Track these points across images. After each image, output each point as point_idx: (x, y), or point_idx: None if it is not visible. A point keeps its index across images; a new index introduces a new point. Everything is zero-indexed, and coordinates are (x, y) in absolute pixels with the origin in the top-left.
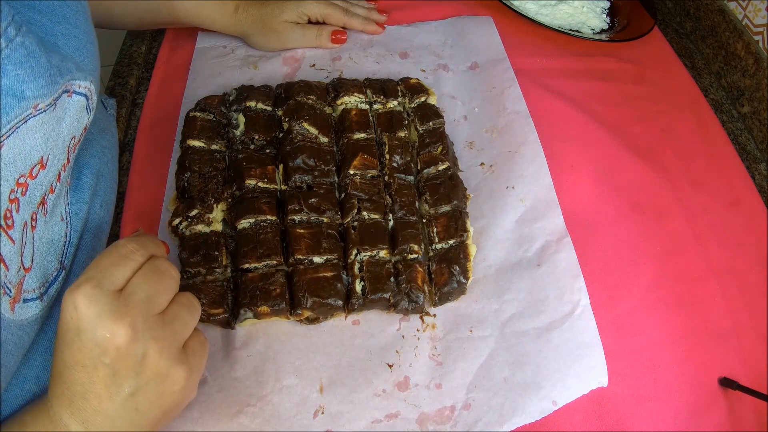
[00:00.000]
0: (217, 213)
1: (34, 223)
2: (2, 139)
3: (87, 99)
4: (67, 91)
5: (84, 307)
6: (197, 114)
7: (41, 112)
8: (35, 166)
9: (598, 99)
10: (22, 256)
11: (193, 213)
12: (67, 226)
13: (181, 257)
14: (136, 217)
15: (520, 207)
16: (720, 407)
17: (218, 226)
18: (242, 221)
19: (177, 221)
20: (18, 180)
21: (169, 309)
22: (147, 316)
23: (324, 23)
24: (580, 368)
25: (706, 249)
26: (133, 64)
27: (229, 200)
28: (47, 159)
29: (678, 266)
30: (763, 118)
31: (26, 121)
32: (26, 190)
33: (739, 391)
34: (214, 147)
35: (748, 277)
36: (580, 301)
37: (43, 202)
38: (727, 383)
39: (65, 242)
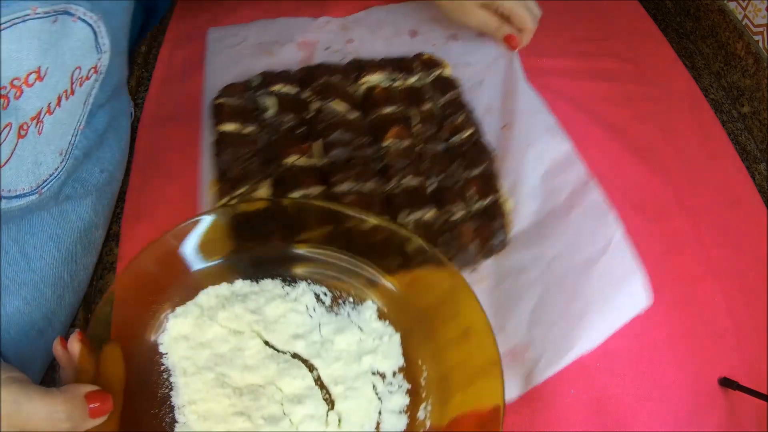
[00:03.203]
0: (263, 190)
1: (22, 132)
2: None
3: (95, 35)
4: (71, 15)
5: None
6: (223, 101)
7: (40, 17)
8: (31, 73)
9: (598, 99)
10: None
11: (241, 191)
12: (62, 162)
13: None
14: (137, 217)
15: (543, 164)
16: (720, 407)
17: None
18: (290, 195)
19: (225, 201)
20: (12, 81)
21: None
22: None
23: (507, 22)
24: (624, 295)
25: (706, 249)
26: (133, 64)
27: (271, 178)
28: (45, 72)
29: (678, 266)
30: (763, 118)
31: (25, 21)
32: (20, 95)
33: (739, 391)
34: (246, 130)
35: (748, 277)
36: (615, 233)
37: (39, 119)
38: (727, 383)
39: (52, 174)
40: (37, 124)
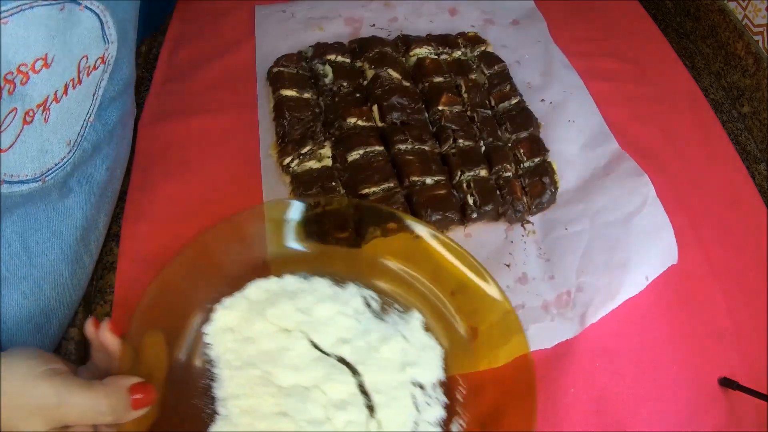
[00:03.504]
0: (326, 149)
1: (28, 118)
2: (7, 15)
3: (102, 24)
4: (78, 3)
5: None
6: (281, 69)
7: (47, 4)
8: (38, 59)
9: (598, 99)
10: None
11: (306, 150)
12: (69, 152)
13: (298, 193)
14: (137, 217)
15: (581, 137)
16: (720, 407)
17: (328, 162)
18: (353, 153)
19: (288, 159)
20: (19, 67)
21: None
22: None
23: None
24: (659, 248)
25: (706, 249)
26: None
27: (332, 139)
28: (52, 59)
29: (678, 266)
30: (763, 118)
31: (32, 8)
32: (27, 81)
33: (739, 391)
34: (305, 95)
35: (748, 277)
36: (649, 193)
37: (45, 107)
38: (727, 383)
39: (58, 163)
40: (43, 112)
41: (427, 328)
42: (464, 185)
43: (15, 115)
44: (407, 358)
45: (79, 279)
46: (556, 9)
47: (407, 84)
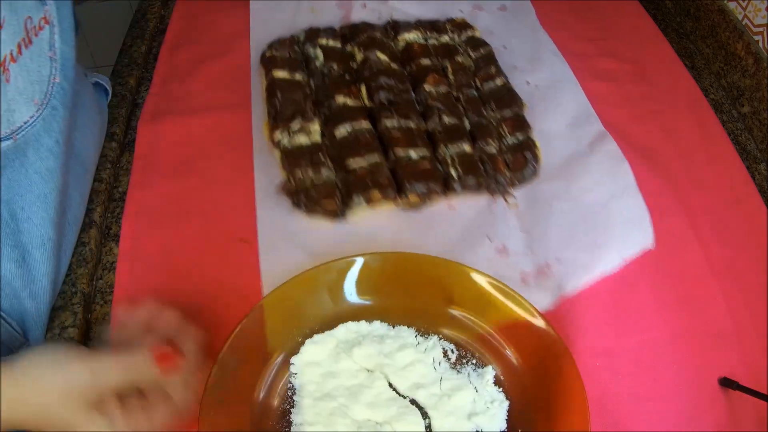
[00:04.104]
0: (315, 126)
1: None
2: None
3: None
4: None
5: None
6: (273, 53)
7: None
8: None
9: (598, 99)
10: None
11: (296, 127)
12: (37, 110)
13: (288, 167)
14: (137, 217)
15: (566, 117)
16: (720, 407)
17: (317, 138)
18: (341, 128)
19: (279, 134)
20: None
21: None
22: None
23: None
24: (636, 232)
25: (706, 249)
26: (133, 64)
27: (322, 117)
28: (3, 19)
29: (678, 266)
30: (763, 118)
31: None
32: None
33: (739, 391)
34: (297, 77)
35: (748, 277)
36: (628, 179)
37: (5, 68)
38: (727, 383)
39: (27, 121)
40: (3, 72)
41: (498, 383)
42: (448, 159)
43: None
44: (475, 409)
45: (67, 242)
46: (555, 9)
47: (395, 66)
